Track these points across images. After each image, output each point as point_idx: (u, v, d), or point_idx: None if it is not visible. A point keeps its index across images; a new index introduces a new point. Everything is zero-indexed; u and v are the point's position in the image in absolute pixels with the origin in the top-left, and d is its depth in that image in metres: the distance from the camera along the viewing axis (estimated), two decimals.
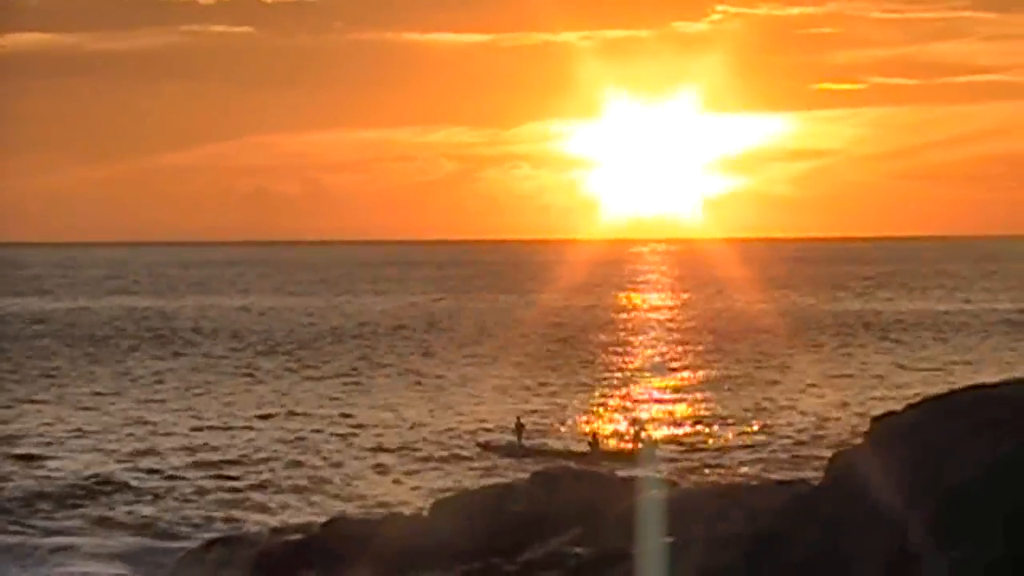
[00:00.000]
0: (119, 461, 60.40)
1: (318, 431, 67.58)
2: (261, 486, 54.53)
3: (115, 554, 43.39)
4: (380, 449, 62.50)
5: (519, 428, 61.95)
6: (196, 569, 40.47)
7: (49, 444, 65.18)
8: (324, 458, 60.06)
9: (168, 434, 67.89)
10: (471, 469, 57.82)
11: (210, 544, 42.50)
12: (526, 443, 61.17)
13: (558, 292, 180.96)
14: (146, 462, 59.91)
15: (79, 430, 69.36)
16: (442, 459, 60.27)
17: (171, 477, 56.63)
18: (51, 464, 59.96)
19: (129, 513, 49.96)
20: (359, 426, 68.54)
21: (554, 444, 62.83)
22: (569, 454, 59.92)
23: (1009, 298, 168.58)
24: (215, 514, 49.44)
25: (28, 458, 61.29)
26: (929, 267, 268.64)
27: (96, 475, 56.85)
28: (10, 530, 48.09)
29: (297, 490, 53.49)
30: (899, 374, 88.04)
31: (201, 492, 53.45)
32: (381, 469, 58.16)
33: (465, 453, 61.06)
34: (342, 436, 66.32)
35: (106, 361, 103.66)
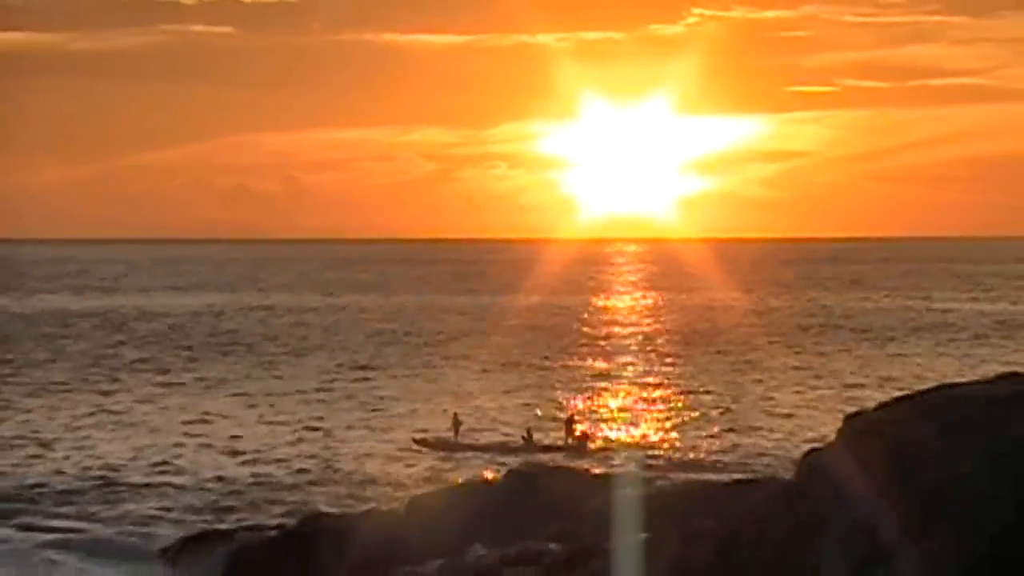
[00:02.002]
0: (114, 459, 60.46)
1: (289, 428, 67.68)
2: (239, 485, 54.56)
3: (104, 549, 43.30)
4: (346, 446, 62.63)
5: (456, 424, 61.92)
6: (177, 564, 40.54)
7: (43, 442, 65.27)
8: (298, 456, 60.08)
9: (157, 431, 68.01)
10: (408, 465, 57.83)
11: (188, 540, 42.56)
12: (462, 439, 61.29)
13: (531, 291, 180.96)
14: (137, 459, 60.00)
15: (69, 428, 69.40)
16: (388, 456, 60.18)
17: (155, 475, 56.66)
18: (47, 460, 60.03)
19: (118, 509, 49.96)
20: (315, 427, 68.40)
21: (490, 439, 62.88)
22: (504, 448, 60.39)
23: (975, 300, 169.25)
24: (198, 510, 49.41)
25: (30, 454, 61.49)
26: (899, 268, 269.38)
27: (88, 473, 56.94)
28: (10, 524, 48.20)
29: (274, 488, 53.50)
30: (871, 373, 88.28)
31: (183, 489, 53.48)
32: (353, 466, 58.19)
33: (401, 448, 61.27)
34: (313, 430, 66.49)
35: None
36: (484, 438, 62.75)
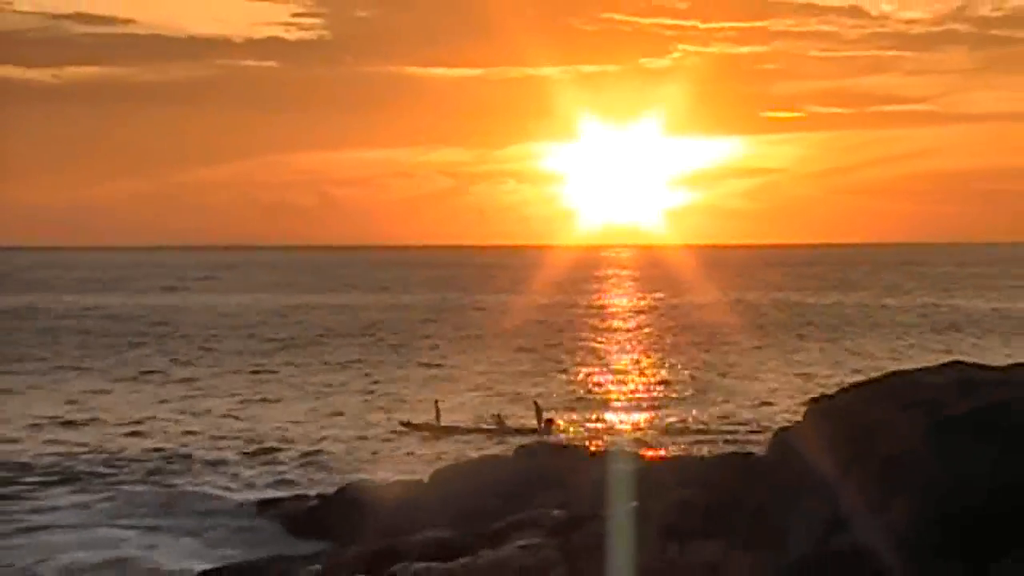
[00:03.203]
0: (161, 438, 60.57)
1: (321, 414, 67.79)
2: (282, 459, 54.77)
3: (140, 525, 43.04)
4: (367, 426, 62.64)
5: (437, 408, 61.25)
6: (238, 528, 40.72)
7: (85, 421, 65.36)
8: (332, 438, 60.09)
9: (199, 414, 68.09)
10: (398, 444, 57.49)
11: (253, 505, 43.01)
12: (443, 422, 60.56)
13: (535, 291, 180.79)
14: (182, 439, 60.07)
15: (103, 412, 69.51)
16: (381, 438, 59.83)
17: (208, 451, 56.77)
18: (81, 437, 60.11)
19: (157, 483, 49.72)
20: (338, 414, 68.45)
21: (466, 422, 62.09)
22: (479, 431, 59.77)
23: (927, 296, 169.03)
24: (249, 483, 49.65)
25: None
26: (861, 270, 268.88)
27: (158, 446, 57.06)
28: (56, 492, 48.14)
29: (311, 464, 53.59)
30: (834, 362, 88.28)
31: (235, 464, 53.65)
32: (377, 443, 58.24)
33: (392, 432, 60.70)
34: (336, 415, 66.52)
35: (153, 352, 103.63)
36: (462, 422, 61.92)
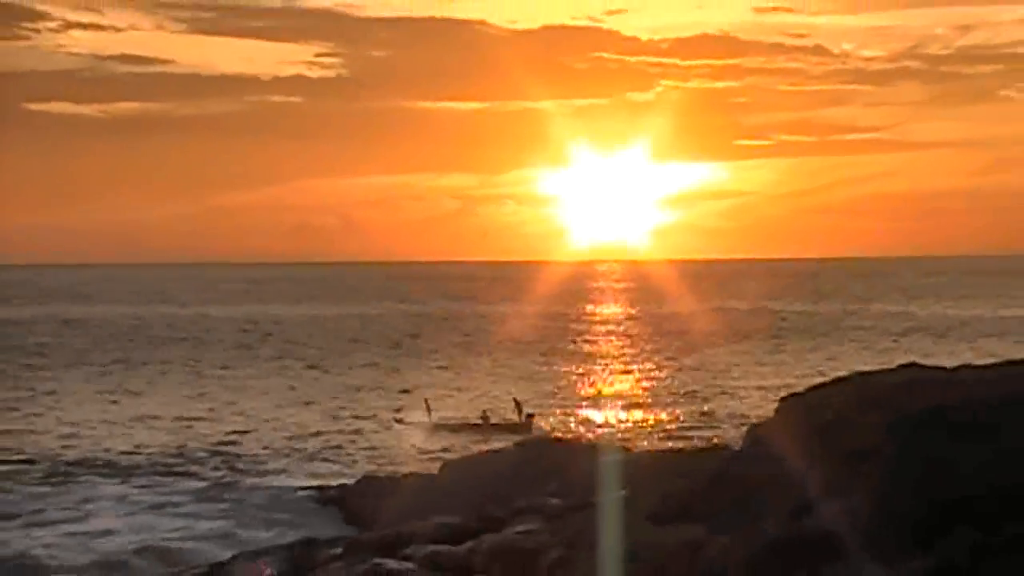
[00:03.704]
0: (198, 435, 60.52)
1: (341, 412, 67.71)
2: (307, 453, 54.74)
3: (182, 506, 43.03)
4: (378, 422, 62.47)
5: (427, 406, 60.83)
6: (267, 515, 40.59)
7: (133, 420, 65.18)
8: (349, 433, 60.00)
9: (238, 414, 68.01)
10: (394, 439, 57.15)
11: (281, 493, 42.95)
12: (433, 419, 59.94)
13: (532, 301, 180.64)
14: (217, 436, 59.89)
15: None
16: (380, 432, 59.59)
17: (241, 445, 56.70)
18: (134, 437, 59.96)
19: (195, 475, 49.80)
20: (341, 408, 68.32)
21: (455, 419, 61.39)
22: (467, 427, 58.99)
23: (885, 304, 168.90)
24: (277, 473, 49.54)
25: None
26: (827, 281, 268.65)
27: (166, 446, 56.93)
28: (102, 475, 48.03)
29: (331, 459, 53.51)
30: (803, 364, 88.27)
31: (264, 458, 53.60)
32: (381, 437, 58.16)
33: (385, 426, 60.54)
34: (357, 418, 66.45)
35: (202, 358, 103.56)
36: (451, 418, 61.29)
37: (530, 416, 59.47)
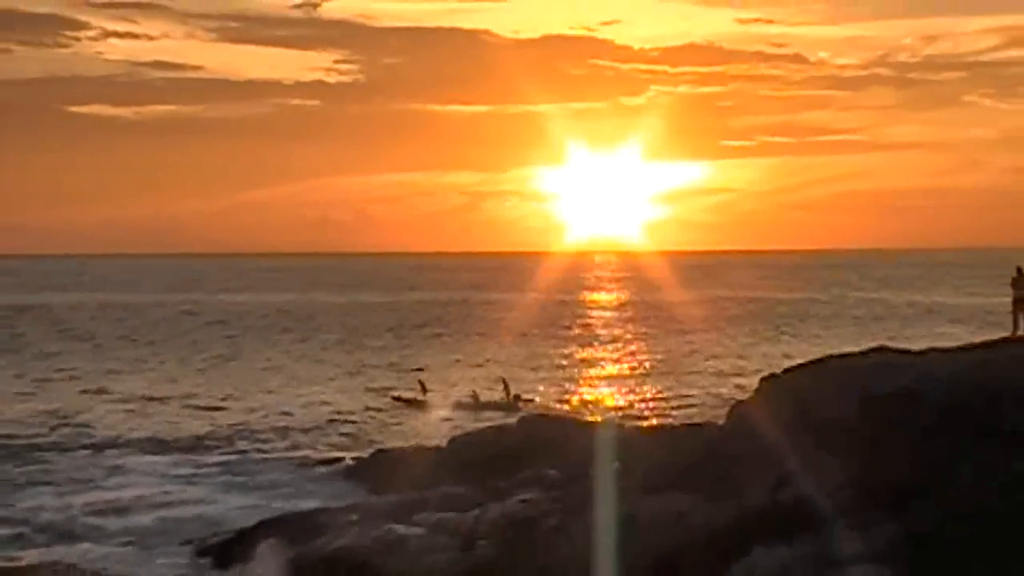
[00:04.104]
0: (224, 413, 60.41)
1: (356, 390, 67.60)
2: (323, 429, 54.73)
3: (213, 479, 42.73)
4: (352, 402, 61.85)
5: (422, 386, 60.32)
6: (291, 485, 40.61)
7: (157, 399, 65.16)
8: (362, 410, 59.85)
9: (262, 391, 67.95)
10: (391, 416, 56.53)
11: (303, 465, 42.90)
12: (428, 397, 59.19)
13: (534, 289, 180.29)
14: (244, 413, 59.80)
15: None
16: (377, 409, 58.82)
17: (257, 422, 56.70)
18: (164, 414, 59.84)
19: (224, 449, 49.37)
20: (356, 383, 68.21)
21: (448, 398, 60.17)
22: (458, 405, 58.15)
23: (859, 292, 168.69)
24: (298, 447, 49.39)
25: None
26: (806, 272, 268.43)
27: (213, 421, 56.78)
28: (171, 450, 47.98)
29: (348, 434, 53.47)
30: (782, 346, 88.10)
31: (287, 433, 53.56)
32: (356, 416, 57.42)
33: (383, 407, 59.62)
34: (375, 390, 66.13)
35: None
36: (443, 398, 60.33)
37: (516, 396, 58.66)
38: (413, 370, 73.90)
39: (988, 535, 20.51)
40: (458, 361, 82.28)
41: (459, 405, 58.32)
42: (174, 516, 36.06)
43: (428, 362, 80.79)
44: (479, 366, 78.24)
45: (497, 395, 59.22)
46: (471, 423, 51.46)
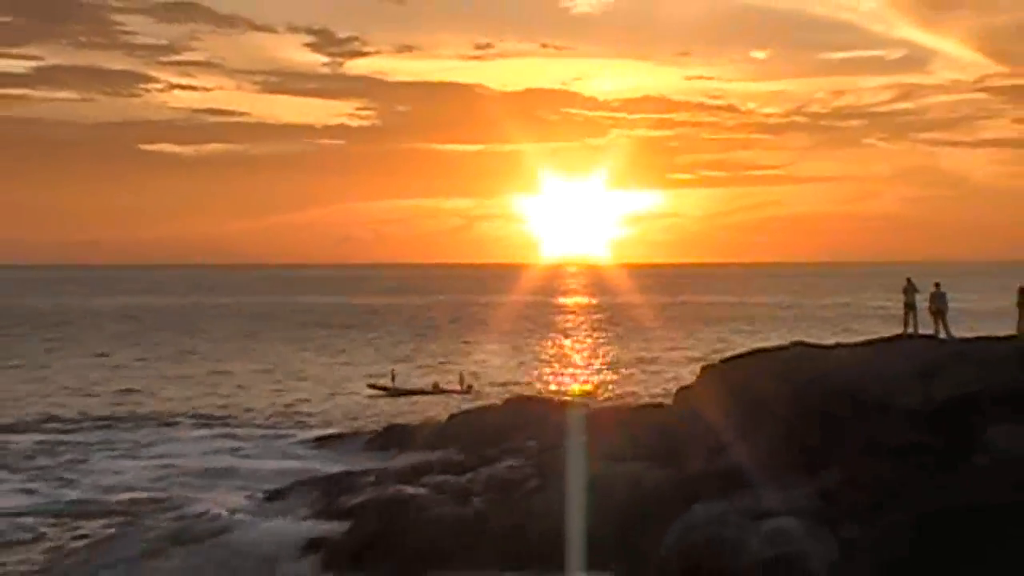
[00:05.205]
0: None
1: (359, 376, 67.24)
2: (348, 407, 54.38)
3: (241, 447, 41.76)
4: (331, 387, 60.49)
5: (393, 375, 58.72)
6: (320, 452, 40.43)
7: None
8: (365, 396, 58.71)
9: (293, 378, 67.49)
10: (370, 400, 54.84)
11: (327, 438, 42.30)
12: (397, 385, 57.41)
13: (514, 294, 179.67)
14: (279, 393, 59.01)
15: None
16: (358, 393, 57.11)
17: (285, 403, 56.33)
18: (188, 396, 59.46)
19: (265, 423, 48.59)
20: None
21: (412, 385, 58.66)
22: (421, 391, 56.56)
23: (781, 297, 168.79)
24: (326, 421, 49.09)
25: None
26: (738, 281, 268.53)
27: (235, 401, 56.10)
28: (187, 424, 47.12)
29: (364, 414, 53.13)
30: (719, 341, 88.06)
31: (312, 411, 53.29)
32: (341, 400, 56.01)
33: (364, 392, 58.02)
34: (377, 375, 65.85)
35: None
36: (410, 385, 58.85)
37: (470, 387, 56.78)
38: (393, 364, 72.19)
39: (878, 493, 20.67)
40: (436, 352, 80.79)
41: (421, 392, 56.57)
42: (218, 473, 35.66)
43: (410, 352, 79.91)
44: (451, 357, 76.72)
45: (455, 384, 57.39)
46: (433, 406, 50.43)
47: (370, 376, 63.74)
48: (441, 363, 72.71)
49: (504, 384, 60.88)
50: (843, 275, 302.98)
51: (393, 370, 60.20)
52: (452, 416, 40.41)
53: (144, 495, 32.78)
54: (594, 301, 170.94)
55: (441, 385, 57.34)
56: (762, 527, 20.18)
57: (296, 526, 26.74)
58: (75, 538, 28.04)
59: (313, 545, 24.94)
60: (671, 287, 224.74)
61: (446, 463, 32.12)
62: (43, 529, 29.08)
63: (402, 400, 54.65)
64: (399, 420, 45.64)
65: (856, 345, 28.74)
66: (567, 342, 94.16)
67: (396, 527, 24.90)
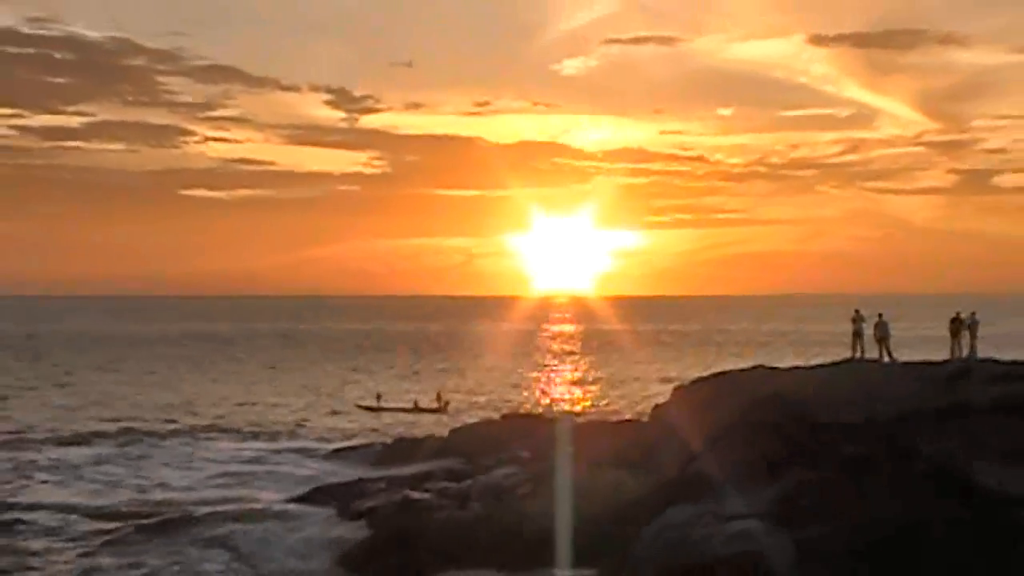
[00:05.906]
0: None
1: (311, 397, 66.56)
2: (363, 421, 53.99)
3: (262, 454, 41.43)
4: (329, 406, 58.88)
5: (378, 396, 57.44)
6: (336, 462, 40.14)
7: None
8: (365, 414, 57.50)
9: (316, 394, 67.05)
10: (352, 419, 52.99)
11: (342, 450, 41.62)
12: (383, 404, 55.94)
13: (507, 321, 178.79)
14: (300, 410, 58.45)
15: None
16: (347, 412, 55.61)
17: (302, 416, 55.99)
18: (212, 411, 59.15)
19: (288, 434, 48.16)
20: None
21: (395, 405, 56.65)
22: (402, 410, 54.93)
23: (745, 324, 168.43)
24: (337, 436, 48.28)
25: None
26: (711, 312, 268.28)
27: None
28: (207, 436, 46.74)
29: (376, 429, 52.56)
30: (690, 364, 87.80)
31: (328, 426, 52.79)
32: (335, 417, 54.49)
33: (351, 412, 55.82)
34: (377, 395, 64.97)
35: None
36: (392, 404, 56.96)
37: (446, 403, 55.47)
38: (380, 388, 67.37)
39: (828, 497, 20.66)
40: (428, 372, 79.71)
41: (402, 410, 55.05)
42: (243, 479, 35.43)
43: (410, 371, 78.97)
44: (443, 377, 75.23)
45: (434, 402, 55.88)
46: (409, 424, 49.49)
47: (360, 397, 62.35)
48: (434, 382, 71.77)
49: (500, 400, 60.31)
50: (799, 305, 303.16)
51: (379, 394, 58.70)
52: (454, 430, 40.26)
53: (183, 495, 32.65)
54: (580, 328, 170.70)
55: (420, 404, 55.89)
56: (728, 528, 20.18)
57: (317, 527, 26.65)
58: (127, 532, 27.96)
59: (332, 544, 24.86)
60: (648, 316, 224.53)
61: (448, 471, 32.03)
62: (99, 525, 29.00)
63: (410, 416, 53.89)
64: (407, 434, 45.38)
65: (810, 368, 28.85)
66: (556, 363, 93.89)
67: (404, 529, 24.80)
